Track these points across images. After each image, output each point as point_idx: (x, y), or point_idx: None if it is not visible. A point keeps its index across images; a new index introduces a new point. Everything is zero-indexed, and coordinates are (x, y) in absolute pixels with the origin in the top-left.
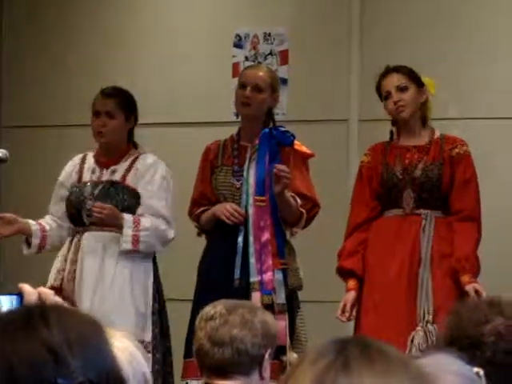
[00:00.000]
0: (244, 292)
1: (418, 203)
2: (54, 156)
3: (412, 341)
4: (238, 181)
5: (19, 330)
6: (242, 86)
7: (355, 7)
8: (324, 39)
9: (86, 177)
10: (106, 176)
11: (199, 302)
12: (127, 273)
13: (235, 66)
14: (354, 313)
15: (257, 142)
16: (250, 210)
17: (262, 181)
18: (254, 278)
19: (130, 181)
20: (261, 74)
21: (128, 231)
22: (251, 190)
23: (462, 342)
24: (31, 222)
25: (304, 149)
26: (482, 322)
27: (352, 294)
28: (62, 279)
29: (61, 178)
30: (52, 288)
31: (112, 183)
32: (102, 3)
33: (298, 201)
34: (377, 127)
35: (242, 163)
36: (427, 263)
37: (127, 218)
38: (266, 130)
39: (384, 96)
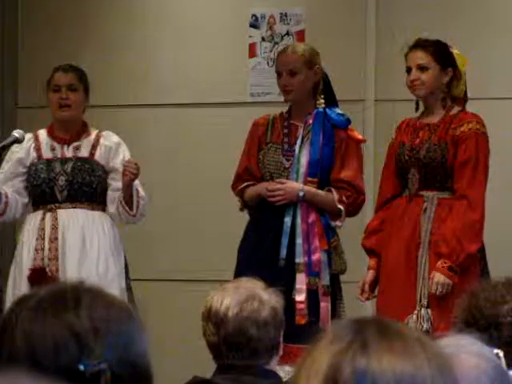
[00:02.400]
0: (288, 272)
1: (423, 184)
2: None
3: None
4: (287, 160)
5: (49, 310)
6: (278, 74)
7: None
8: (340, 20)
9: (47, 154)
10: (69, 153)
11: None
12: (109, 250)
13: (252, 46)
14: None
15: (310, 121)
16: None
17: (316, 162)
18: (300, 259)
19: (98, 157)
20: (291, 56)
21: (134, 197)
22: (302, 169)
23: (478, 322)
24: None
25: (356, 134)
26: (499, 303)
27: (371, 274)
28: (43, 259)
29: (19, 155)
30: (36, 269)
31: (80, 159)
32: None
33: (335, 195)
34: (393, 107)
35: (292, 142)
36: (425, 246)
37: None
38: (321, 109)
39: (406, 69)
